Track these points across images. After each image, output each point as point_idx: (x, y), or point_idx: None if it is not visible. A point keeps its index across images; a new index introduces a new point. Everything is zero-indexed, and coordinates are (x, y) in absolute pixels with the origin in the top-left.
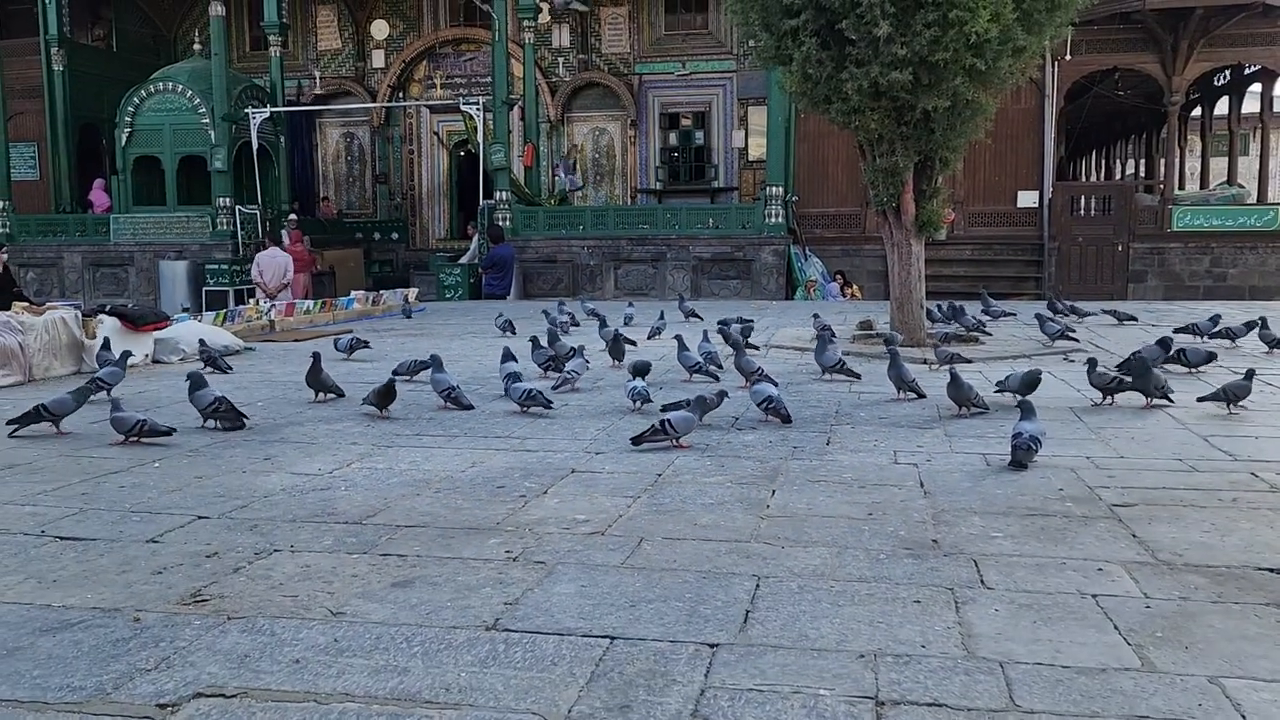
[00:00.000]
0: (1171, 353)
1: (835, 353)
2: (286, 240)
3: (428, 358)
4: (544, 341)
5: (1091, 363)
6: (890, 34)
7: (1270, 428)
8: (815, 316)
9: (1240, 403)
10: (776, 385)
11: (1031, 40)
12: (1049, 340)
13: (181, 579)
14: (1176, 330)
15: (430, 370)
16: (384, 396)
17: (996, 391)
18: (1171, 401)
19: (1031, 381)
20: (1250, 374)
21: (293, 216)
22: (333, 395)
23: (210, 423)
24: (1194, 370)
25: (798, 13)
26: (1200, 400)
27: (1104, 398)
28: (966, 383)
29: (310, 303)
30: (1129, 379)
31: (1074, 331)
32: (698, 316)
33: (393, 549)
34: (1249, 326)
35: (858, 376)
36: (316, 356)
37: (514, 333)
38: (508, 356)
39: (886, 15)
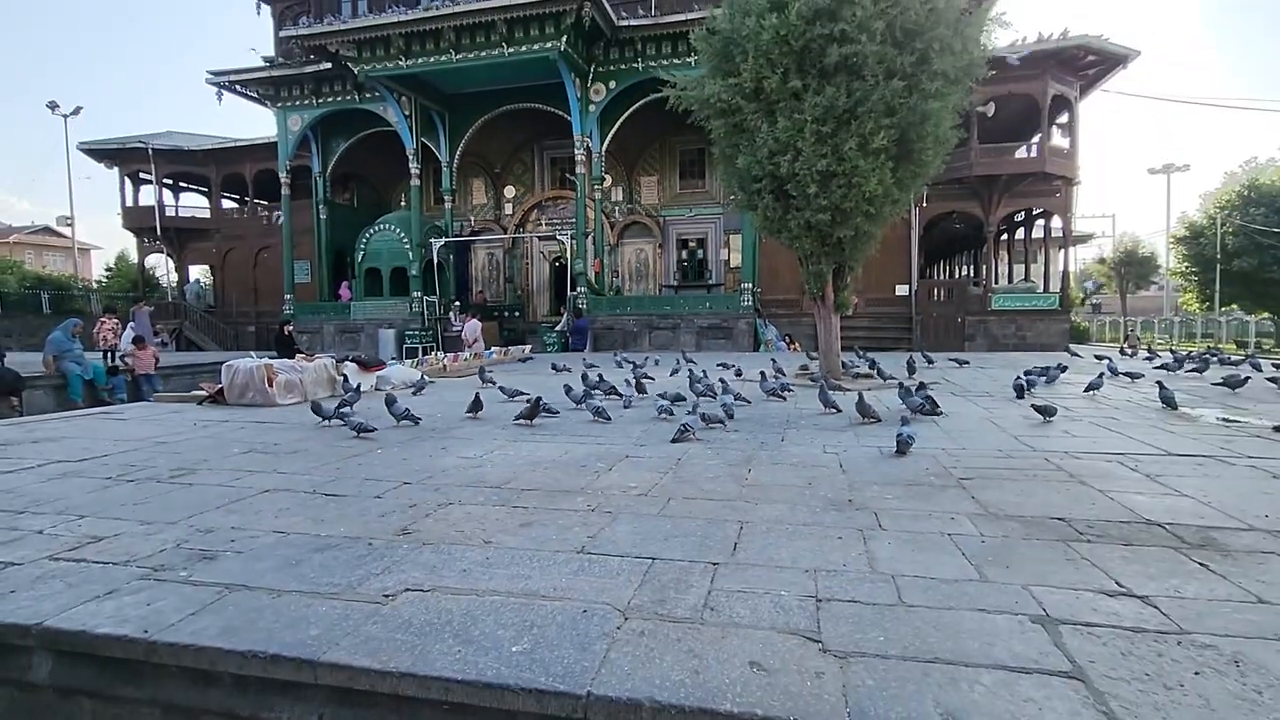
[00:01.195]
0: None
1: (771, 384)
2: (454, 318)
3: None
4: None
5: (904, 390)
6: (817, 192)
7: (1059, 430)
8: (773, 361)
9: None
10: (749, 402)
11: (903, 195)
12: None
13: (395, 520)
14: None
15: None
16: (532, 411)
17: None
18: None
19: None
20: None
21: (456, 303)
22: (475, 413)
23: (405, 422)
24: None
25: (760, 179)
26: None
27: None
28: (867, 403)
29: (468, 353)
30: (936, 407)
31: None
32: (692, 362)
33: (520, 503)
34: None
35: (784, 399)
36: (477, 395)
37: (569, 370)
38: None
39: (814, 181)
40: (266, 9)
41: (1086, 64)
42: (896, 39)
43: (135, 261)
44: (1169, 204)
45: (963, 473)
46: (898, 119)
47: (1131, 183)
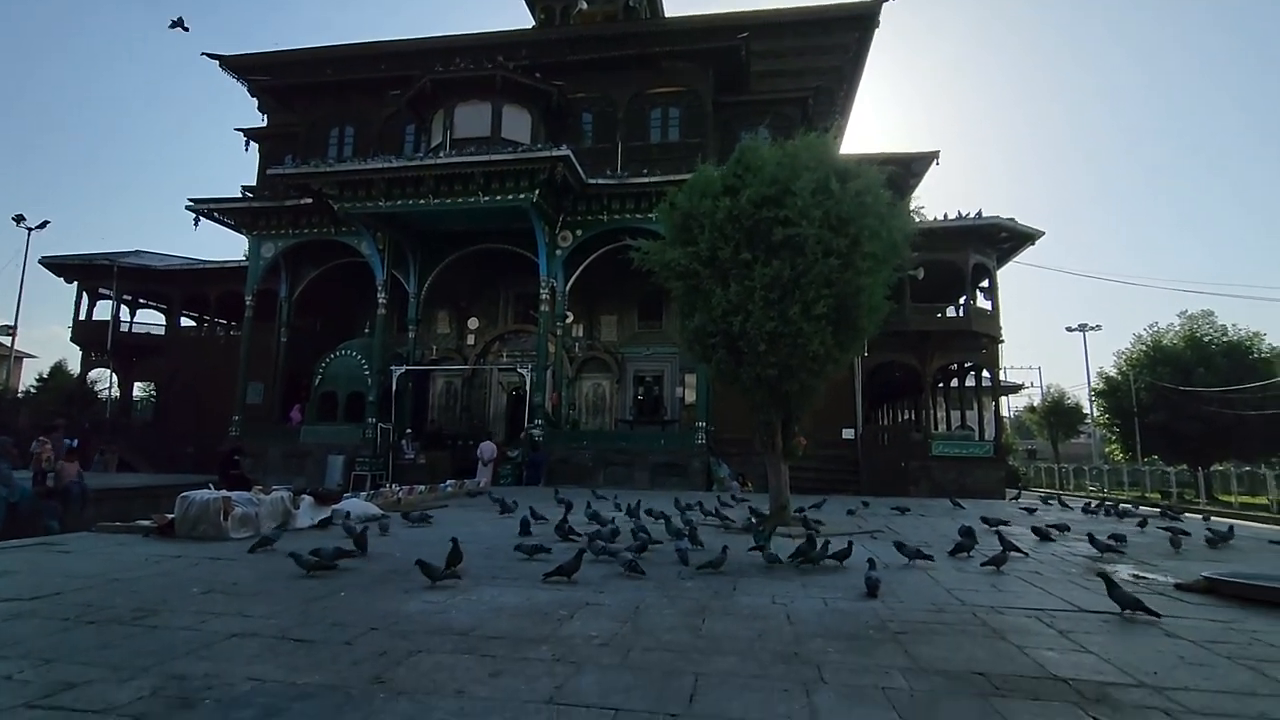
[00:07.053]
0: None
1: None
2: (406, 447)
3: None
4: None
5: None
6: (765, 349)
7: (987, 584)
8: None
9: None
10: (702, 545)
11: (843, 355)
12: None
13: (369, 668)
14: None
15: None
16: (574, 566)
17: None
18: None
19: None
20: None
21: (409, 432)
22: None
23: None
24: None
25: (714, 335)
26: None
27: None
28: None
29: (422, 486)
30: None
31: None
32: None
33: (487, 651)
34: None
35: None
36: (455, 540)
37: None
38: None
39: (763, 340)
40: (254, 145)
41: (1001, 239)
42: (832, 224)
43: (73, 373)
44: (1087, 360)
45: (899, 627)
46: (835, 290)
47: (1055, 337)
